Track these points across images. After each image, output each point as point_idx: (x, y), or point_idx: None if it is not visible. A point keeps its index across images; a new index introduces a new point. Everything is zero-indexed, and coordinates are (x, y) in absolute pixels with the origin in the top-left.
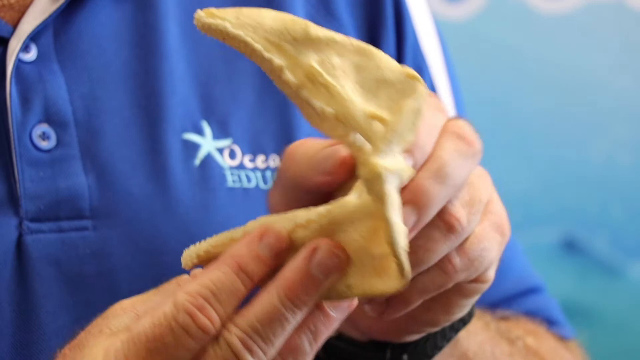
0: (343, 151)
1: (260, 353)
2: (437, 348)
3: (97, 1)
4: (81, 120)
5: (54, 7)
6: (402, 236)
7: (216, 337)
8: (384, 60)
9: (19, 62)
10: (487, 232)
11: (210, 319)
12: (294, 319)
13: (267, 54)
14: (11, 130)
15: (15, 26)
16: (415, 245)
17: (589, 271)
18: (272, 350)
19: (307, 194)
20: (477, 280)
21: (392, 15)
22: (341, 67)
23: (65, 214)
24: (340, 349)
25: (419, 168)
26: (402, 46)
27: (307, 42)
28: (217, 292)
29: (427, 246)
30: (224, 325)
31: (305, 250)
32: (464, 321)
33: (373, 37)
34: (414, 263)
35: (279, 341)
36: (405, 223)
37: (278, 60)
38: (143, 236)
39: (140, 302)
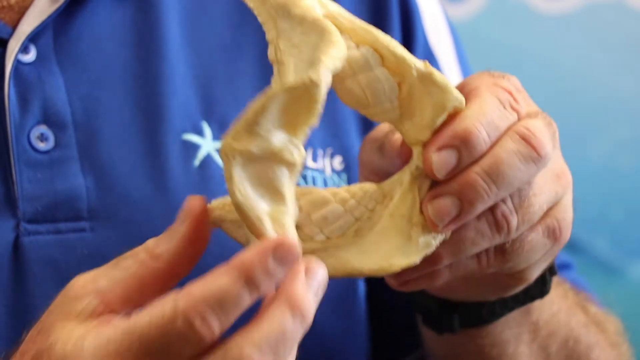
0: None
1: None
2: (496, 315)
3: (97, 2)
4: (80, 121)
5: (53, 8)
6: (260, 221)
7: (212, 346)
8: (331, 44)
9: (17, 63)
10: (536, 238)
11: (210, 329)
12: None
13: (264, 26)
14: (9, 131)
15: (14, 27)
16: (464, 236)
17: (589, 271)
18: None
19: (387, 175)
20: (513, 277)
21: (398, 15)
22: (299, 46)
23: (63, 215)
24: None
25: (469, 163)
26: (411, 46)
27: (289, 18)
28: (221, 302)
29: (475, 239)
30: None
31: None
32: (531, 295)
33: None
34: (457, 251)
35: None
36: (446, 214)
37: (268, 34)
38: (142, 237)
39: (102, 277)
